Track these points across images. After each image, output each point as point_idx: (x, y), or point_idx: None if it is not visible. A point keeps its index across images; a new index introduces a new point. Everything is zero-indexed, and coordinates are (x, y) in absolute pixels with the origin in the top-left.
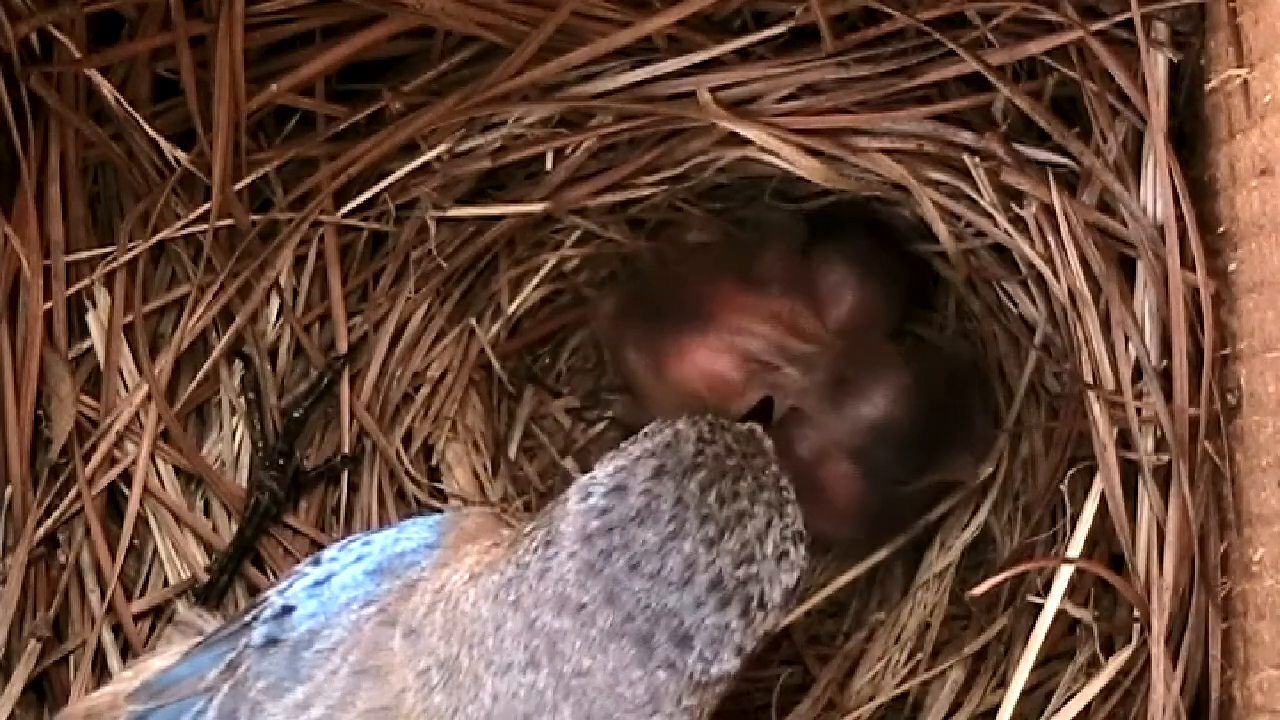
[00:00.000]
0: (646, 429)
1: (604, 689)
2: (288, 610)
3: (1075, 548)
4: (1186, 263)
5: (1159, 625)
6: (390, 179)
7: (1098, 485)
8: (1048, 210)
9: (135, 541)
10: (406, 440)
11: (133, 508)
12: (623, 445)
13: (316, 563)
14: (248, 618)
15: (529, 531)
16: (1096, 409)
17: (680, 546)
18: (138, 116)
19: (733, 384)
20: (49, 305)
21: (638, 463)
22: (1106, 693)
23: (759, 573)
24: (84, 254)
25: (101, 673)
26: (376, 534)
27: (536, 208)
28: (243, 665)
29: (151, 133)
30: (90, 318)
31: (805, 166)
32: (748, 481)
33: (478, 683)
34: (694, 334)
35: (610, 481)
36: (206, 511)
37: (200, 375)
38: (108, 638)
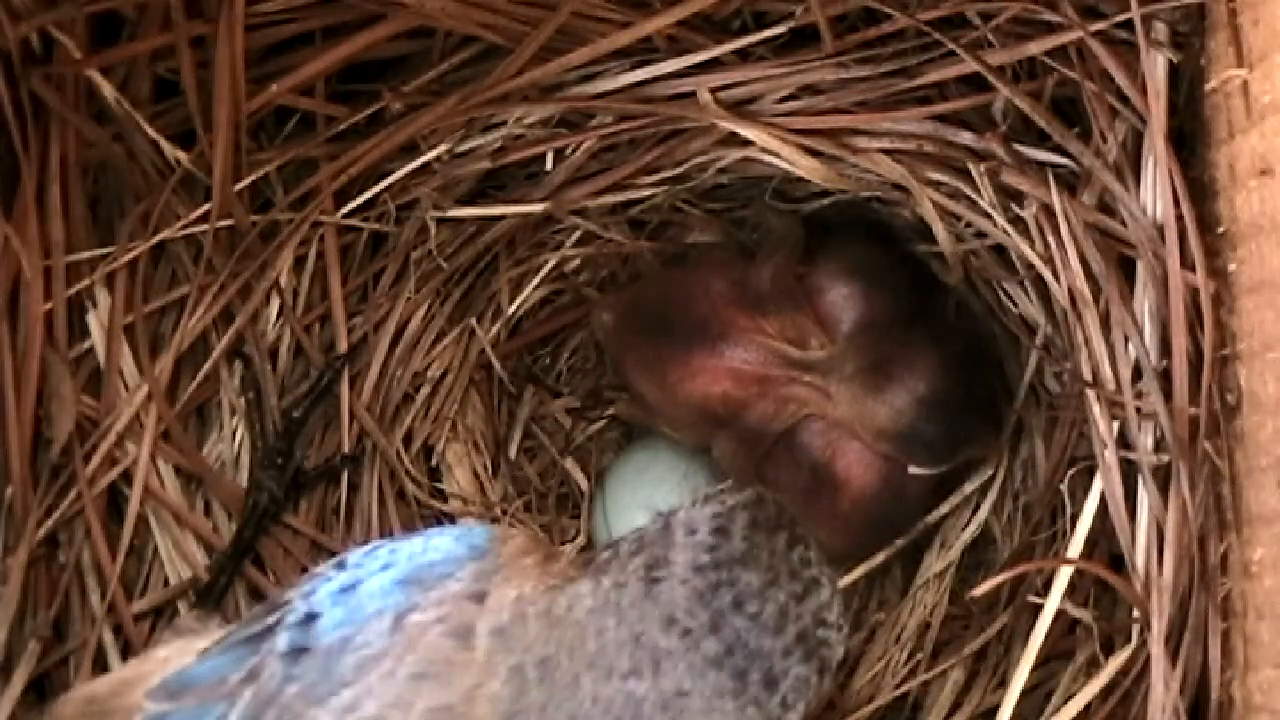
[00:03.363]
0: (727, 485)
1: (698, 713)
2: (312, 617)
3: (1075, 548)
4: (1186, 263)
5: (1159, 625)
6: (390, 179)
7: (1098, 485)
8: (1047, 210)
9: (135, 542)
10: (407, 440)
11: (133, 508)
12: (712, 492)
13: (341, 567)
14: (270, 620)
15: (615, 553)
16: (1096, 409)
17: (776, 595)
18: (138, 116)
19: (742, 400)
20: (49, 305)
21: (733, 511)
22: (1106, 693)
23: (830, 638)
24: (84, 254)
25: (102, 673)
26: (402, 542)
27: (536, 208)
28: (266, 671)
29: (152, 133)
30: (90, 318)
31: (805, 167)
32: (815, 552)
33: (576, 683)
34: (700, 354)
35: (713, 523)
36: (207, 512)
37: (200, 375)
38: (108, 638)
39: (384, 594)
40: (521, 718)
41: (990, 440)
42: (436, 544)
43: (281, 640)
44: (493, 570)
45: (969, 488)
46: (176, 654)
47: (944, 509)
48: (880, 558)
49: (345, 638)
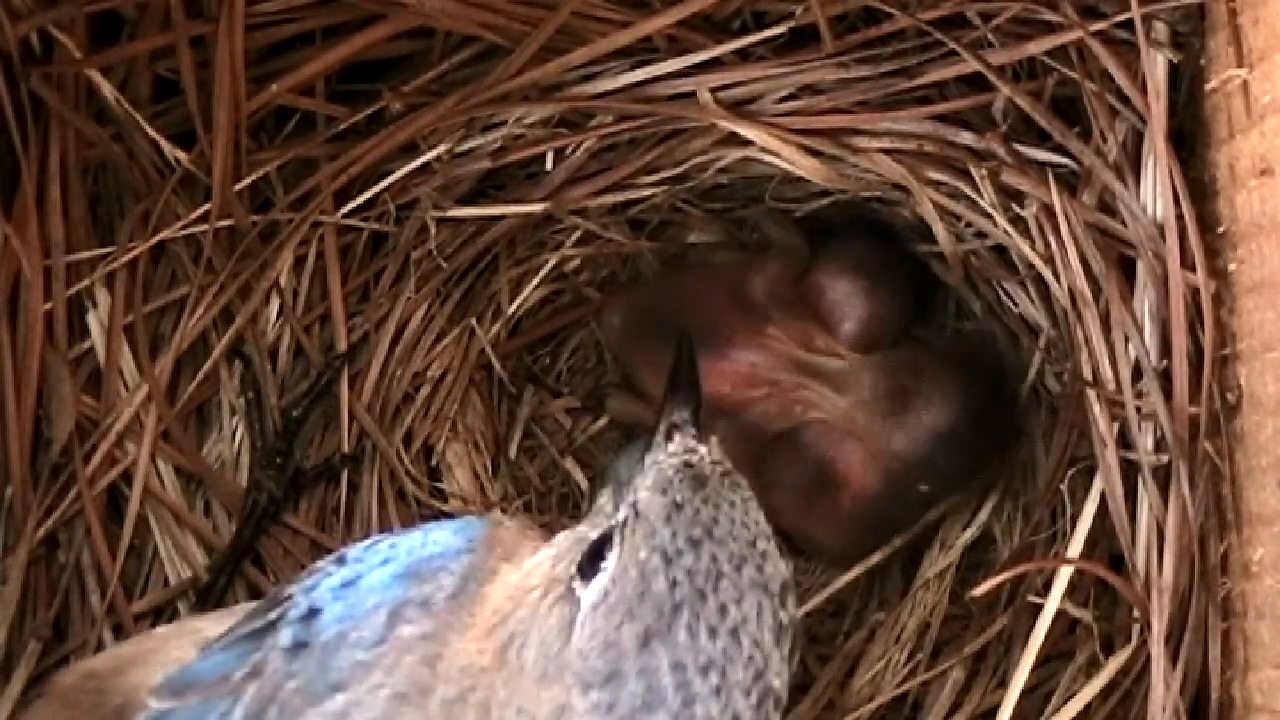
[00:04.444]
0: (609, 565)
1: None
2: (314, 613)
3: (1075, 548)
4: (1186, 262)
5: (1159, 625)
6: (390, 179)
7: (1098, 485)
8: (1048, 210)
9: (135, 542)
10: (407, 440)
11: (133, 508)
12: (597, 585)
13: (341, 562)
14: (272, 616)
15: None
16: (1096, 408)
17: (694, 714)
18: (138, 116)
19: (750, 400)
20: (49, 305)
21: (621, 630)
22: (1106, 692)
23: (769, 682)
24: (84, 254)
25: None
26: (401, 536)
27: (536, 208)
28: (269, 667)
29: (152, 133)
30: (90, 317)
31: (805, 166)
32: (730, 579)
33: None
34: (710, 358)
35: (603, 666)
36: (207, 512)
37: (200, 375)
38: (108, 638)
39: (382, 588)
40: None
41: (999, 467)
42: (435, 537)
43: (284, 635)
44: (475, 580)
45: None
46: (175, 634)
47: (943, 508)
48: (878, 557)
49: (342, 633)
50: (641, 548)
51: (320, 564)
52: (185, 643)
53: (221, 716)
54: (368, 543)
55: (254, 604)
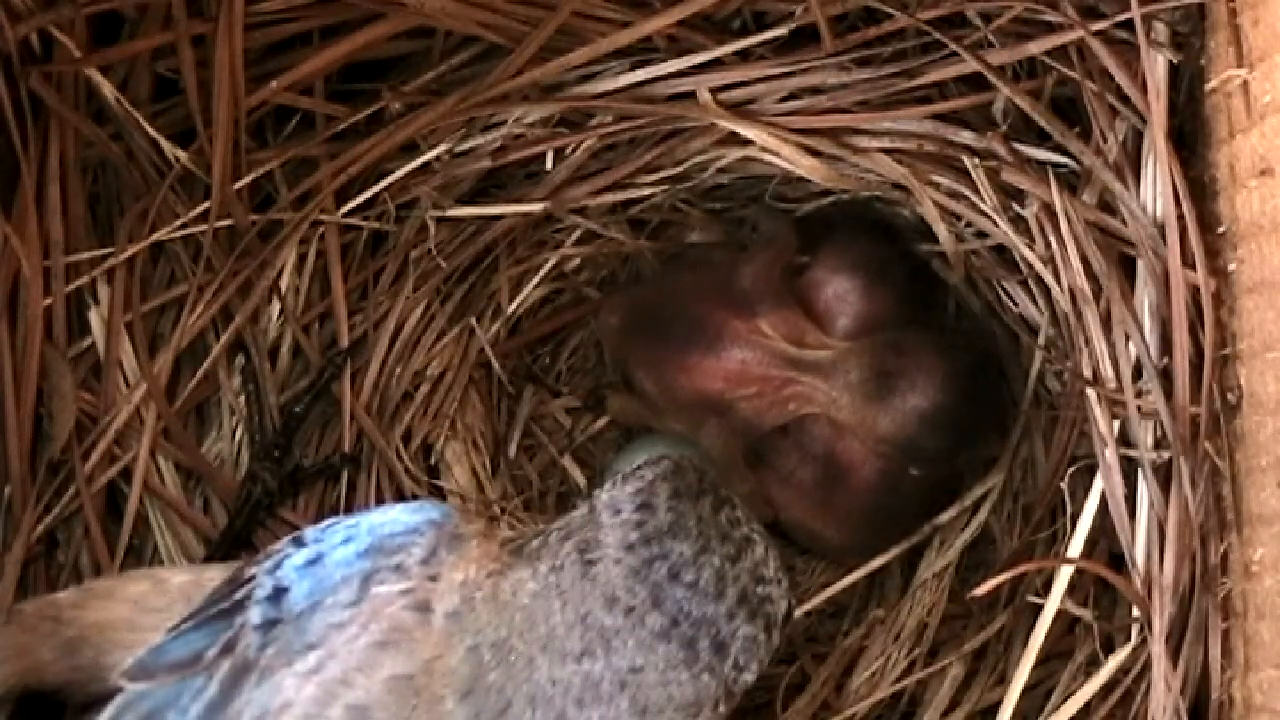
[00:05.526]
0: (645, 461)
1: (654, 686)
2: (282, 591)
3: (1075, 547)
4: (1187, 261)
5: (1159, 625)
6: (390, 179)
7: (1098, 484)
8: (1048, 210)
9: (135, 541)
10: (406, 438)
11: (132, 505)
12: (630, 471)
13: (300, 543)
14: (238, 595)
15: (545, 541)
16: (1097, 408)
17: (710, 561)
18: (137, 116)
19: (743, 401)
20: (48, 303)
21: (654, 485)
22: (1106, 691)
23: (771, 594)
24: (84, 254)
25: None
26: (359, 517)
27: (536, 207)
28: (242, 642)
29: (152, 132)
30: (90, 315)
31: (805, 166)
32: (743, 511)
33: (532, 665)
34: (700, 356)
35: (636, 499)
36: (206, 509)
37: (200, 373)
38: None
39: (347, 564)
40: (480, 695)
41: (993, 444)
42: (394, 516)
43: (255, 613)
44: (445, 547)
45: (976, 493)
46: (138, 575)
47: (953, 513)
48: (881, 561)
49: (315, 604)
50: (675, 456)
51: (278, 545)
52: (146, 585)
53: (197, 693)
54: (324, 524)
55: (220, 570)
